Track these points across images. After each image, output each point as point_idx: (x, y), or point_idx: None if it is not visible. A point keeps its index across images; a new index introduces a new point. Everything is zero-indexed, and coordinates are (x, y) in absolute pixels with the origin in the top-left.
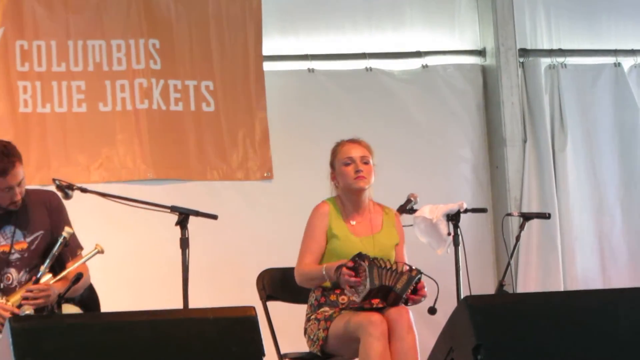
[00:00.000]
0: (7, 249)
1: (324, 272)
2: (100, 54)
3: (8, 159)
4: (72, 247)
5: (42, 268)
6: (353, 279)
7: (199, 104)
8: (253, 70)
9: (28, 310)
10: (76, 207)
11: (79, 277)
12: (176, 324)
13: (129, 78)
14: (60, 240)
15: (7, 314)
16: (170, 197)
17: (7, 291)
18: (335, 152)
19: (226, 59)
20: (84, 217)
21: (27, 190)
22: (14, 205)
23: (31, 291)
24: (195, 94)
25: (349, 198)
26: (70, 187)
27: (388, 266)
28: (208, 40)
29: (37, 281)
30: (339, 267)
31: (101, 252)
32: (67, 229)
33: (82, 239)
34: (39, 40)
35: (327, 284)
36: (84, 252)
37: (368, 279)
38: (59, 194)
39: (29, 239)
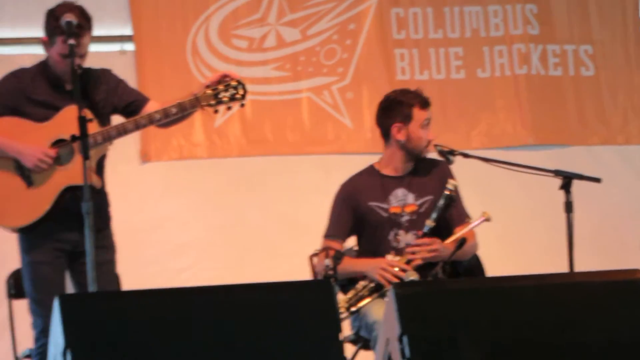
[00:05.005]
0: (398, 210)
1: None
2: (477, 20)
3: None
4: (460, 215)
5: (428, 222)
6: None
7: (578, 68)
8: (632, 32)
9: (413, 276)
10: (456, 174)
11: (462, 242)
12: (562, 288)
13: (507, 44)
14: (445, 192)
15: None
16: (551, 161)
17: (398, 252)
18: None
19: (604, 22)
20: (464, 183)
21: (424, 158)
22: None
23: (418, 245)
24: (574, 59)
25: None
26: (452, 152)
27: None
28: (585, 3)
29: (423, 235)
30: None
31: (488, 219)
32: (451, 181)
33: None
34: (414, 8)
35: None
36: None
37: None
38: (440, 159)
39: (419, 202)
